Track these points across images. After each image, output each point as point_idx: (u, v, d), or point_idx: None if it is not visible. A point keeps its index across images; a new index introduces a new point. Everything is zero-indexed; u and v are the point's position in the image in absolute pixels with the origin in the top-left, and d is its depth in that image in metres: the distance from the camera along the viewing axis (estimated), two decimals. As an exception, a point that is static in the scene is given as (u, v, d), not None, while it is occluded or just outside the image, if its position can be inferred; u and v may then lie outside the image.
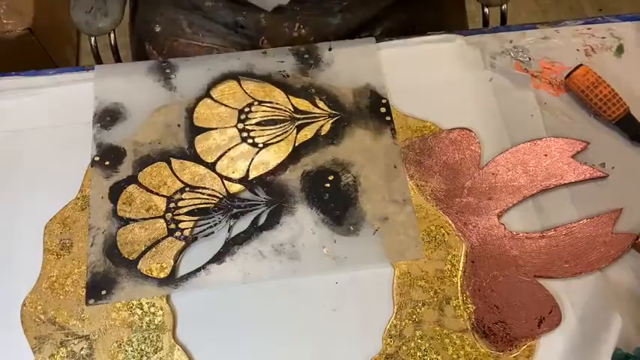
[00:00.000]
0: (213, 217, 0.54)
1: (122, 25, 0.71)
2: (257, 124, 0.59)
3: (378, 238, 0.54)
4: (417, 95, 0.61)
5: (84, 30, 0.69)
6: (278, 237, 0.54)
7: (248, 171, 0.57)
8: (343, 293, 0.52)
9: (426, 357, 0.49)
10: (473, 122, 0.60)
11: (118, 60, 0.76)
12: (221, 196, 0.55)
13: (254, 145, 0.58)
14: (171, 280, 0.52)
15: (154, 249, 0.53)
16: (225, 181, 0.56)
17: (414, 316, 0.51)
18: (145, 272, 0.52)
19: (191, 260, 0.53)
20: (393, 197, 0.56)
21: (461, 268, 0.53)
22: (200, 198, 0.55)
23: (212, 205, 0.55)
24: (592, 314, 0.51)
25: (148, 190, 0.56)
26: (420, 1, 0.72)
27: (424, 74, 0.63)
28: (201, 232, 0.54)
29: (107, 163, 0.57)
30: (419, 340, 0.50)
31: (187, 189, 0.56)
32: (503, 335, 0.50)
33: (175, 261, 0.52)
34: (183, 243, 0.53)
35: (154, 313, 0.50)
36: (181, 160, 0.57)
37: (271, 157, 0.57)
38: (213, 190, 0.56)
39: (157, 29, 0.71)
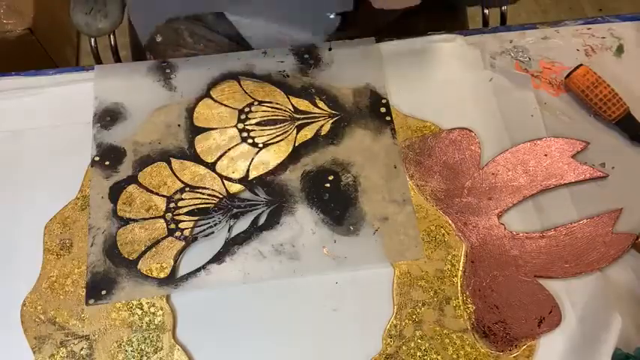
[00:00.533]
0: (213, 217, 0.54)
1: (122, 25, 0.71)
2: (257, 124, 0.59)
3: (378, 238, 0.54)
4: (417, 95, 0.61)
5: (84, 31, 0.69)
6: (278, 237, 0.54)
7: (248, 171, 0.57)
8: (343, 293, 0.52)
9: (426, 357, 0.49)
10: (473, 122, 0.60)
11: (117, 60, 0.76)
12: (221, 196, 0.55)
13: (254, 145, 0.58)
14: (171, 280, 0.52)
15: (154, 249, 0.53)
16: (225, 181, 0.56)
17: (414, 316, 0.51)
18: (145, 272, 0.52)
19: (191, 260, 0.53)
20: (393, 197, 0.56)
21: (461, 268, 0.53)
22: (200, 198, 0.55)
23: (212, 205, 0.55)
24: (592, 314, 0.51)
25: (148, 190, 0.56)
26: (421, 15, 0.71)
27: (424, 74, 0.63)
28: (201, 232, 0.54)
29: (107, 163, 0.57)
30: (419, 340, 0.50)
31: (187, 189, 0.56)
32: (503, 335, 0.50)
33: (175, 261, 0.52)
34: (183, 243, 0.53)
35: (153, 313, 0.50)
36: (181, 160, 0.57)
37: (271, 157, 0.57)
38: (213, 190, 0.56)
39: (158, 39, 0.71)
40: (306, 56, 0.63)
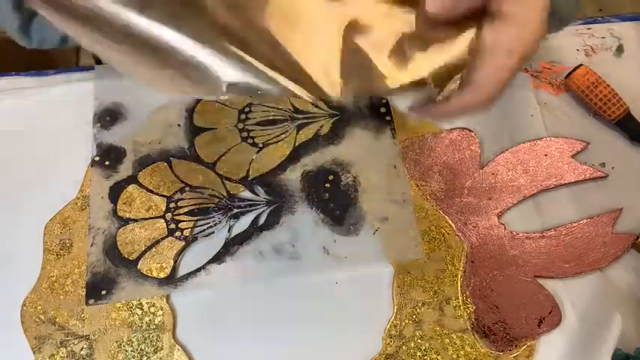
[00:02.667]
0: (214, 217, 0.54)
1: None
2: (257, 124, 0.59)
3: (378, 238, 0.54)
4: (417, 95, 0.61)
5: None
6: (278, 237, 0.54)
7: (248, 171, 0.57)
8: (343, 293, 0.52)
9: (426, 357, 0.49)
10: (473, 122, 0.60)
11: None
12: (221, 196, 0.55)
13: (254, 145, 0.58)
14: (171, 280, 0.52)
15: (154, 249, 0.53)
16: (225, 181, 0.56)
17: (414, 316, 0.51)
18: (145, 272, 0.52)
19: (191, 260, 0.53)
20: (393, 197, 0.56)
21: (461, 268, 0.53)
22: (200, 198, 0.55)
23: (212, 205, 0.55)
24: (592, 314, 0.51)
25: (148, 190, 0.56)
26: None
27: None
28: (201, 232, 0.54)
29: (107, 163, 0.57)
30: (419, 340, 0.50)
31: (187, 189, 0.56)
32: (503, 335, 0.50)
33: (175, 261, 0.52)
34: (183, 243, 0.53)
35: (153, 313, 0.50)
36: (181, 160, 0.57)
37: (271, 157, 0.57)
38: (213, 190, 0.56)
39: None
40: (306, 56, 0.63)
